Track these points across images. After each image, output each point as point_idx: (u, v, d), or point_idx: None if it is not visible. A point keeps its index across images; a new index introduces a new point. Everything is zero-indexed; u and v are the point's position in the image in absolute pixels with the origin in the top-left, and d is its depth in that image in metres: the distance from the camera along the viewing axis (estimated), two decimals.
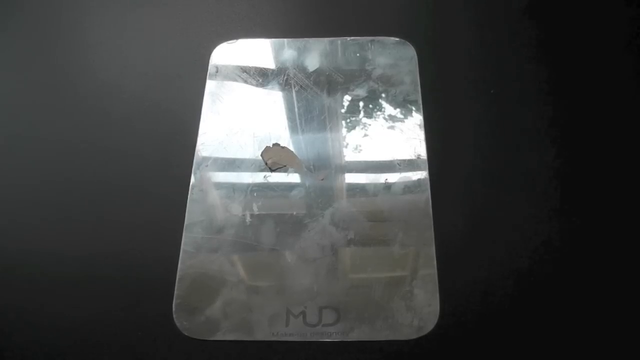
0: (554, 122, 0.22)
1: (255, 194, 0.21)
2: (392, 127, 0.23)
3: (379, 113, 0.23)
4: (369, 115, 0.23)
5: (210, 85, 0.24)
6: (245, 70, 0.24)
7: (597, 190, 0.21)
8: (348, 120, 0.23)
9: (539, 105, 0.23)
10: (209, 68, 0.24)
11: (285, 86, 0.24)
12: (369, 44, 0.25)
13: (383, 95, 0.23)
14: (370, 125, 0.23)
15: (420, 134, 0.22)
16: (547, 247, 0.20)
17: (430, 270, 0.19)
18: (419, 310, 0.18)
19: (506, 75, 0.24)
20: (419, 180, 0.21)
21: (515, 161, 0.22)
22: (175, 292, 0.19)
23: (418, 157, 0.22)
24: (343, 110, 0.23)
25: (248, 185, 0.21)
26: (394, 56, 0.24)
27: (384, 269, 0.19)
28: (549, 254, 0.20)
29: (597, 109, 0.23)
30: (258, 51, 0.25)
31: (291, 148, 0.22)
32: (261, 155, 0.22)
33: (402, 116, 0.23)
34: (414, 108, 0.23)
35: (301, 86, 0.23)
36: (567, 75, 0.23)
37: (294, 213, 0.20)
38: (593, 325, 0.18)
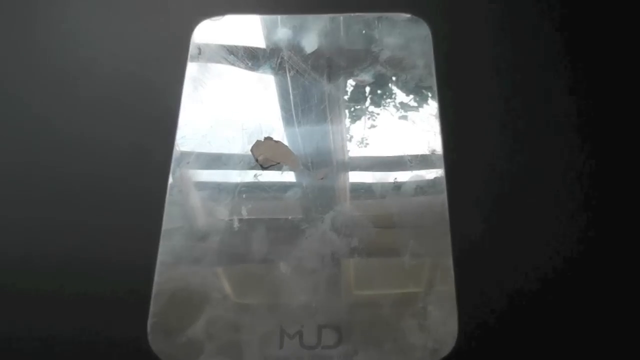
0: (584, 114, 0.21)
1: (244, 196, 0.20)
2: (403, 118, 0.22)
3: (388, 101, 0.22)
4: (376, 103, 0.22)
5: (191, 68, 0.22)
6: (232, 51, 0.23)
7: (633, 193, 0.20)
8: (352, 110, 0.22)
9: (569, 95, 0.21)
10: (190, 49, 0.23)
11: (279, 70, 0.22)
12: (376, 22, 0.23)
13: (393, 79, 0.22)
14: (377, 115, 0.22)
15: (435, 126, 0.21)
16: (580, 256, 0.19)
17: (446, 285, 0.18)
18: (434, 330, 0.17)
19: (532, 57, 0.22)
20: (433, 179, 0.20)
21: (542, 158, 0.20)
22: (151, 309, 0.18)
23: (433, 153, 0.21)
24: (346, 98, 0.22)
25: (236, 185, 0.20)
26: (405, 35, 0.23)
27: (393, 282, 0.18)
28: (583, 264, 0.18)
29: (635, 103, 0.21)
30: (247, 29, 0.24)
31: (286, 142, 0.21)
32: (251, 150, 0.21)
33: (414, 104, 0.22)
34: (429, 95, 0.22)
35: (297, 70, 0.22)
36: (600, 62, 0.22)
37: (289, 217, 0.19)
38: (629, 345, 0.17)
